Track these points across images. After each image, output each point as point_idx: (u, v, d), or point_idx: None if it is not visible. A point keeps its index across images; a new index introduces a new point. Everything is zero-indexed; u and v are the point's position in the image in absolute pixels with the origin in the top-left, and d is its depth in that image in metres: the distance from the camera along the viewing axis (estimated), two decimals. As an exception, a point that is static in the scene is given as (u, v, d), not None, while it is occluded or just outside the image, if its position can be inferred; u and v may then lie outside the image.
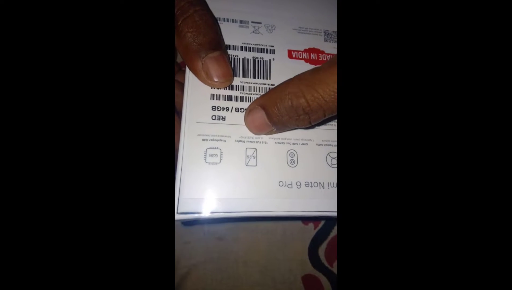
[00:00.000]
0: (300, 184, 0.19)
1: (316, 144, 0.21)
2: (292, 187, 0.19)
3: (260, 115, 0.19)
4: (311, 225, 0.31)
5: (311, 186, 0.20)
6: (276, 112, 0.18)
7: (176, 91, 0.25)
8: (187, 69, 0.21)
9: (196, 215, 0.18)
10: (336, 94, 0.16)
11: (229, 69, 0.20)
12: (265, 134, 0.20)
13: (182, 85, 0.26)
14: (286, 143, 0.20)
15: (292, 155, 0.20)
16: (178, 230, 0.30)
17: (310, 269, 0.31)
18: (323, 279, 0.30)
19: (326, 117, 0.18)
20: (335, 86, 0.16)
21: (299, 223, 0.31)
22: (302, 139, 0.21)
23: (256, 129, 0.20)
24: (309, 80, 0.17)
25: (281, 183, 0.19)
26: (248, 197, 0.19)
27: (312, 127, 0.21)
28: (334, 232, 0.31)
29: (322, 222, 0.31)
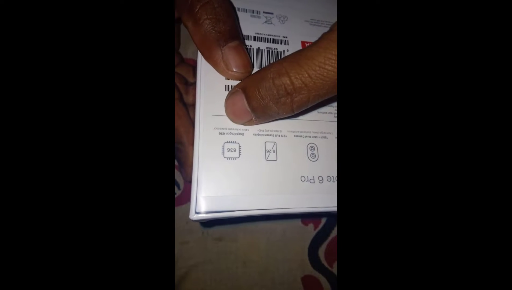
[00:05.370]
0: (322, 179, 0.19)
1: (335, 137, 0.20)
2: (314, 182, 0.19)
3: (239, 98, 0.18)
4: (311, 225, 0.31)
5: (333, 180, 0.19)
6: (257, 94, 0.17)
7: (179, 84, 0.23)
8: (199, 59, 0.20)
9: (217, 214, 0.17)
10: (323, 71, 0.15)
11: (249, 59, 0.19)
12: (244, 124, 0.19)
13: (183, 79, 0.24)
14: (306, 136, 0.20)
15: (312, 148, 0.19)
16: (177, 230, 0.29)
17: (309, 270, 0.30)
18: (323, 280, 0.30)
19: (311, 103, 0.17)
20: (324, 61, 0.15)
21: (299, 223, 0.31)
22: (321, 132, 0.20)
23: (234, 116, 0.18)
24: (295, 57, 0.16)
25: (303, 178, 0.19)
26: (271, 193, 0.18)
27: (295, 116, 0.20)
28: (334, 232, 0.31)
29: (322, 223, 0.31)
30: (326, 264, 0.30)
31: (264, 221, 0.30)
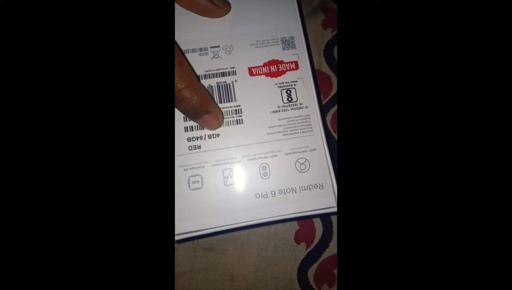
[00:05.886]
0: (275, 193, 0.22)
1: (285, 154, 0.23)
2: (267, 197, 0.22)
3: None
4: (303, 244, 0.31)
5: (285, 193, 0.22)
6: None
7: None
8: None
9: (189, 235, 0.22)
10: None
11: None
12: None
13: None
14: (258, 158, 0.23)
15: (264, 168, 0.23)
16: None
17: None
18: (309, 301, 0.30)
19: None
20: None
21: (292, 241, 0.31)
22: (272, 152, 0.23)
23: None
24: None
25: (257, 195, 0.22)
26: (230, 212, 0.22)
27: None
28: (326, 254, 0.30)
29: (315, 243, 0.31)
30: (314, 286, 0.30)
31: (255, 236, 0.31)
